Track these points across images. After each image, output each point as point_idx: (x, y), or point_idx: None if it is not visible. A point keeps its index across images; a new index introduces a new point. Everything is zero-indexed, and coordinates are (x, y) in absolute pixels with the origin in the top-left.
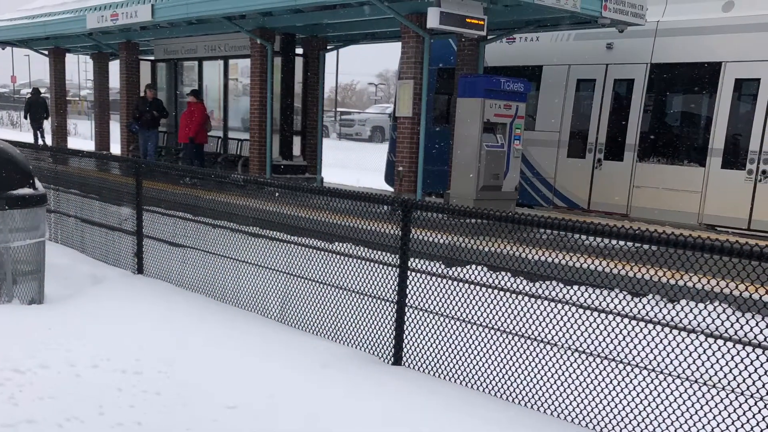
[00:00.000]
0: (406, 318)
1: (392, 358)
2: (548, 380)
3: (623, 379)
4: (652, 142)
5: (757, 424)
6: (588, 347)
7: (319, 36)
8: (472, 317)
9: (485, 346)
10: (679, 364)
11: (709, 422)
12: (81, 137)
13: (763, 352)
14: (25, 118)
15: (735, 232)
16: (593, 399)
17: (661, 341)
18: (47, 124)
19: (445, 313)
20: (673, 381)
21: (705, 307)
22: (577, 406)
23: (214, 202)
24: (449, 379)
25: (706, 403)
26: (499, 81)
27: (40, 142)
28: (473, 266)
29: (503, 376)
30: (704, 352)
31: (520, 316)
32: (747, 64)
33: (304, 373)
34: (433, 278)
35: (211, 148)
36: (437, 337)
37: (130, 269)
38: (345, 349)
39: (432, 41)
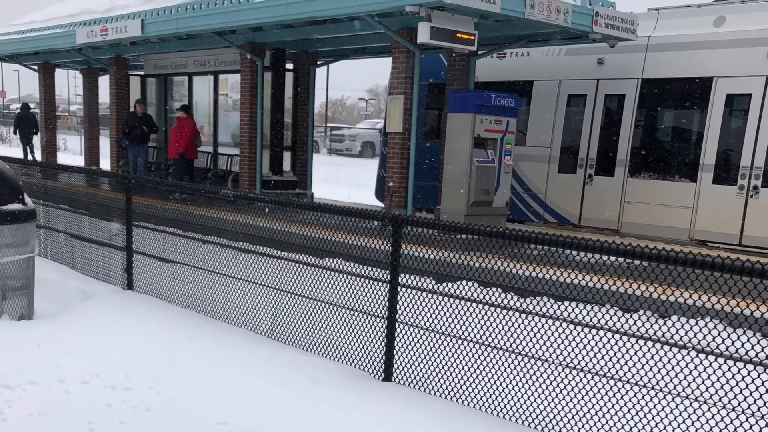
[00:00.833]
0: (396, 334)
1: (383, 374)
2: (539, 396)
3: (614, 395)
4: (643, 157)
5: None
6: (579, 363)
7: (310, 51)
8: (463, 333)
9: (476, 361)
10: (671, 380)
11: None
12: (70, 152)
13: (755, 368)
14: (15, 133)
15: (726, 247)
16: (584, 415)
17: (652, 357)
18: (37, 140)
19: (435, 329)
20: (664, 397)
21: (696, 323)
22: (569, 421)
23: (204, 217)
24: (440, 395)
25: (698, 419)
26: (490, 96)
27: (30, 157)
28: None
29: (494, 392)
30: (695, 368)
31: (511, 331)
32: (738, 79)
33: (294, 389)
34: (424, 294)
35: (201, 163)
36: (428, 353)
37: (120, 285)
38: (335, 365)
39: (422, 56)
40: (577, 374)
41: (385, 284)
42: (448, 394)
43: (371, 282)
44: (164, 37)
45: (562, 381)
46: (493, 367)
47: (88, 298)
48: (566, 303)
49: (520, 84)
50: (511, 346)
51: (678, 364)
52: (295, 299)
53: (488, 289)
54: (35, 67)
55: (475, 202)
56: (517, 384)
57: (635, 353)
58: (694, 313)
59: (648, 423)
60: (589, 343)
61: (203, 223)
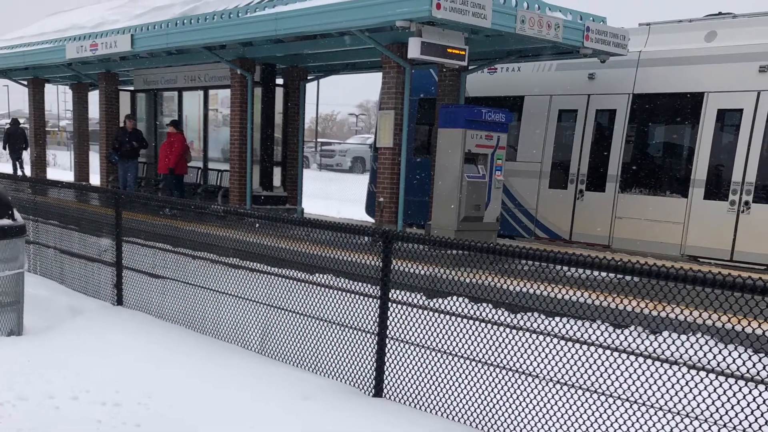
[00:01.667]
0: (387, 350)
1: (373, 390)
2: (530, 411)
3: (605, 411)
4: (634, 172)
5: None
6: (570, 379)
7: (300, 66)
8: (454, 348)
9: (467, 377)
10: (662, 396)
11: None
12: (60, 168)
13: (746, 384)
14: (4, 148)
15: (718, 263)
16: (576, 430)
17: (643, 373)
18: (26, 155)
19: (426, 345)
20: (655, 413)
21: (687, 339)
22: None
23: (194, 233)
24: (431, 411)
25: None
26: (481, 111)
27: (19, 173)
28: (454, 297)
29: (485, 408)
30: (687, 383)
31: (502, 347)
32: (729, 94)
33: (285, 404)
34: (414, 310)
35: (190, 178)
36: (418, 369)
37: (110, 301)
38: (326, 381)
39: (413, 71)
40: (569, 390)
41: (375, 300)
42: (439, 409)
43: (361, 297)
44: (154, 52)
45: (553, 397)
46: (484, 382)
47: (78, 314)
48: (557, 318)
49: (510, 99)
50: (501, 361)
51: (669, 379)
52: (286, 315)
53: (479, 304)
54: (25, 82)
55: (466, 218)
56: (508, 400)
57: (626, 369)
58: (686, 329)
59: None
60: (580, 358)
61: (193, 238)
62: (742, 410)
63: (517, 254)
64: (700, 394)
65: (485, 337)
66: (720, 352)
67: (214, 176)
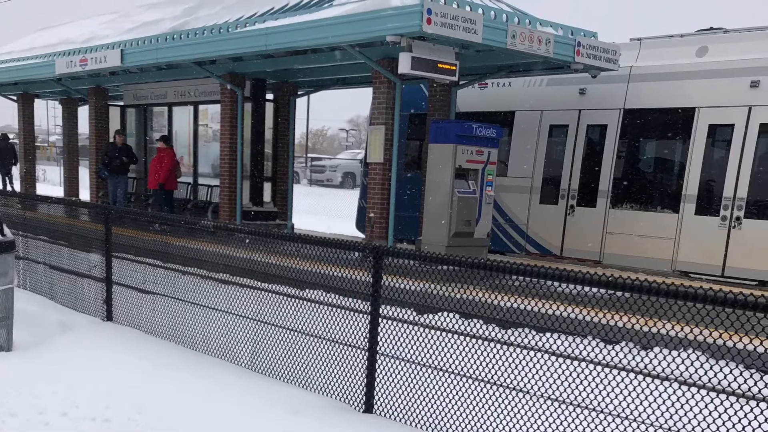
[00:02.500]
0: (377, 365)
1: (363, 406)
2: (521, 428)
3: (596, 427)
4: (625, 188)
5: None
6: (561, 395)
7: (290, 81)
8: (444, 364)
9: (457, 393)
10: (653, 412)
11: None
12: (50, 183)
13: (738, 400)
14: None
15: (709, 279)
16: None
17: (634, 389)
18: (16, 170)
19: (416, 361)
20: (647, 429)
21: (679, 355)
22: None
23: (183, 248)
24: (421, 427)
25: None
26: (471, 126)
27: (9, 188)
28: (445, 313)
29: (475, 424)
30: (678, 399)
31: (493, 363)
32: (721, 109)
33: (275, 420)
34: (405, 325)
35: (180, 194)
36: (409, 385)
37: (100, 316)
38: (316, 397)
39: (403, 86)
40: (560, 405)
41: (365, 315)
42: (429, 425)
43: (352, 313)
44: (144, 67)
45: (544, 412)
46: (474, 398)
47: (68, 330)
48: (548, 334)
49: (501, 114)
50: (492, 377)
51: (660, 395)
52: (276, 331)
53: (469, 320)
54: (14, 98)
55: (457, 233)
56: (498, 415)
57: (617, 384)
58: (677, 345)
59: None
60: (571, 374)
61: (183, 254)
62: (734, 426)
63: (508, 270)
64: (691, 410)
65: (476, 352)
66: (711, 368)
67: (204, 192)
